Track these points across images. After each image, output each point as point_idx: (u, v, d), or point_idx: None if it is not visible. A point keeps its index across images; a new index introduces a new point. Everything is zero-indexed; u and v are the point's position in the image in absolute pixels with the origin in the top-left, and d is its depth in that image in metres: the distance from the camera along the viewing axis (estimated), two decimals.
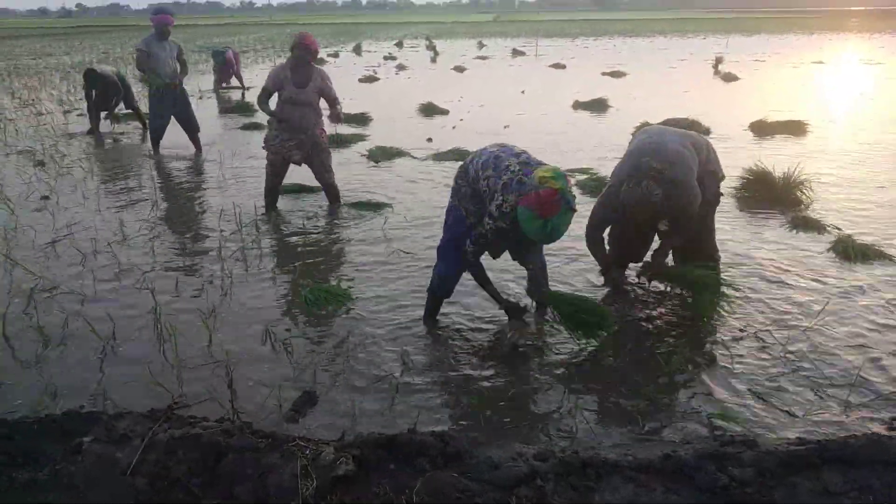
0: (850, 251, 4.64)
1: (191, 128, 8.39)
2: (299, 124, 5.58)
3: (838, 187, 6.37)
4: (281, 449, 2.39)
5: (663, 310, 3.95)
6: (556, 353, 3.41)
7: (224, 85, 15.52)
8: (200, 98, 13.64)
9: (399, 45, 32.51)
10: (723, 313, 3.74)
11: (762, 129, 9.12)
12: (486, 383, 3.14)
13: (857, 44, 29.30)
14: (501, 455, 2.41)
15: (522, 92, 14.16)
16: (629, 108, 11.34)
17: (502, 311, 3.65)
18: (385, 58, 24.27)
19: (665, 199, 3.54)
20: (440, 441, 2.42)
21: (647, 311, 3.92)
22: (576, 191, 6.34)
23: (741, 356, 3.35)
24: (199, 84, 15.61)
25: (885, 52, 23.85)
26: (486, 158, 3.36)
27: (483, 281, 3.61)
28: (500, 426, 2.81)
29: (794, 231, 5.20)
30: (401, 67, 20.54)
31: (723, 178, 4.06)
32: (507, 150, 3.36)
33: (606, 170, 6.76)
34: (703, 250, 4.11)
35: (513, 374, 3.22)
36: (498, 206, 3.18)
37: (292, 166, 5.80)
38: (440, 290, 3.72)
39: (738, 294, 3.99)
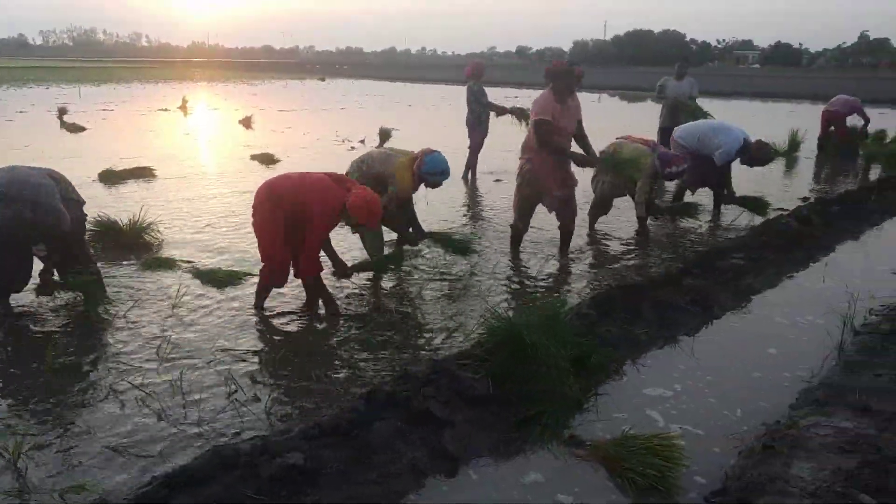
0: (204, 278, 5.16)
1: None
2: None
3: (184, 224, 6.85)
4: None
5: None
6: None
7: None
8: None
9: None
10: None
11: (111, 178, 9.03)
12: None
13: (200, 92, 32.21)
14: None
15: None
16: None
17: None
18: None
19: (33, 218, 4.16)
20: None
21: None
22: None
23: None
24: None
25: (220, 99, 26.96)
26: None
27: None
28: None
29: (146, 272, 5.33)
30: None
31: (83, 202, 4.67)
32: None
33: None
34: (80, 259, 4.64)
35: None
36: None
37: None
38: None
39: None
